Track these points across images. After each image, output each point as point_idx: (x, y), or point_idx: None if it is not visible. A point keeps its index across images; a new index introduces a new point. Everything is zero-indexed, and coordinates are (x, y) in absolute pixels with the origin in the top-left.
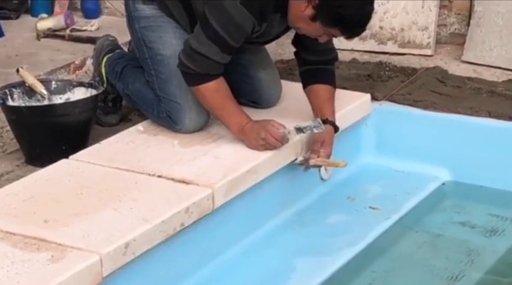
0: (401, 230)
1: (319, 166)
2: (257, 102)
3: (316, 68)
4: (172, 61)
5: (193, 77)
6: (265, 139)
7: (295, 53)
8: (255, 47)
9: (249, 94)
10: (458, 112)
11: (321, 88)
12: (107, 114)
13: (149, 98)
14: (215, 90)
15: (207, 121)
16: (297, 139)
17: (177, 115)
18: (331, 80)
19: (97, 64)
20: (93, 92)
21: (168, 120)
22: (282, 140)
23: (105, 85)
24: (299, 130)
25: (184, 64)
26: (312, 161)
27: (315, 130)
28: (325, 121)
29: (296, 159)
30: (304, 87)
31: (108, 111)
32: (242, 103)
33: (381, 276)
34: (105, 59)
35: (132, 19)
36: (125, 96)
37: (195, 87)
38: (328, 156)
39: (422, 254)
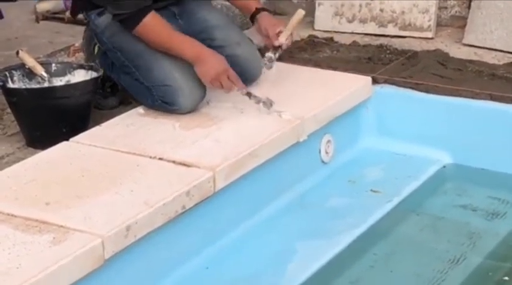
0: (403, 213)
1: (282, 45)
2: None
3: None
4: (144, 51)
5: (129, 20)
6: (219, 77)
7: None
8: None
9: None
10: (459, 95)
11: None
12: (106, 97)
13: (141, 89)
14: (156, 23)
15: (202, 96)
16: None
17: (171, 97)
18: None
19: (89, 54)
20: (94, 74)
21: (164, 106)
22: (236, 84)
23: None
24: (249, 94)
25: (115, 13)
26: (282, 40)
27: (262, 106)
28: (256, 12)
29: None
30: None
31: (107, 95)
32: None
33: (382, 259)
34: (96, 49)
35: (99, 37)
36: (120, 85)
37: (137, 29)
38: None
39: (424, 237)
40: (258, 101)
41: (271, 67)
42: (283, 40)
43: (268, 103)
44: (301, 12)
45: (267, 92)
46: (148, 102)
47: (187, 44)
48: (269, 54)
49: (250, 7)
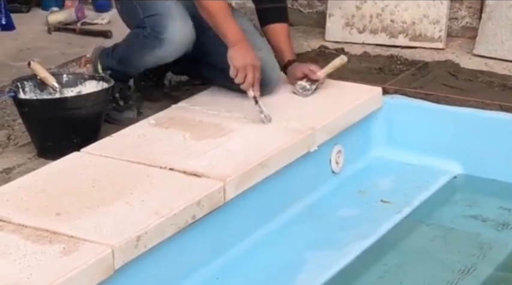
0: (413, 223)
1: (321, 80)
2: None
3: (268, 7)
4: None
5: None
6: (247, 68)
7: None
8: None
9: None
10: (470, 106)
11: (276, 28)
12: (121, 111)
13: (134, 39)
14: None
15: (192, 33)
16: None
17: (161, 25)
18: (283, 17)
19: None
20: (105, 85)
21: (152, 37)
22: (255, 84)
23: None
24: (256, 100)
25: None
26: (321, 75)
27: (262, 117)
28: (289, 64)
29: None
30: (262, 26)
31: (122, 108)
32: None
33: (392, 269)
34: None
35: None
36: (119, 66)
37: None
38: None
39: (434, 248)
40: (261, 111)
41: (306, 96)
42: (322, 75)
43: (268, 119)
44: (344, 58)
45: (278, 102)
46: (138, 46)
47: (235, 28)
48: (303, 83)
49: (283, 56)
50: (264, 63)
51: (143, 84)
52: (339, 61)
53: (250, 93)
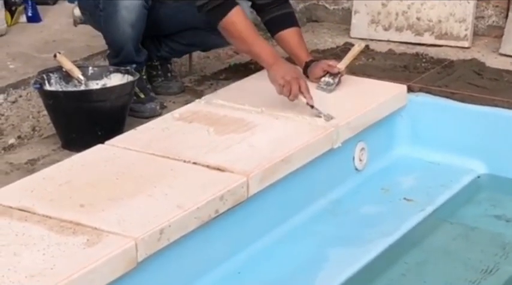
0: (436, 222)
1: (342, 72)
2: None
3: (275, 15)
4: None
5: (215, 12)
6: (289, 84)
7: (252, 7)
8: None
9: None
10: (495, 105)
11: (288, 34)
12: (144, 103)
13: (101, 22)
14: (241, 20)
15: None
16: (302, 103)
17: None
18: (292, 22)
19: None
20: (130, 78)
21: (107, 5)
22: (305, 95)
23: None
24: (312, 106)
25: (202, 4)
26: (341, 67)
27: (321, 116)
28: (307, 65)
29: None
30: (272, 36)
31: (144, 100)
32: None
33: (414, 267)
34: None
35: None
36: (116, 57)
37: (223, 22)
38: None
39: (457, 247)
40: (319, 113)
41: (331, 91)
42: (342, 66)
43: (329, 118)
44: (361, 44)
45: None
46: (100, 15)
47: (268, 49)
48: (326, 79)
49: (300, 59)
50: None
51: (153, 74)
52: (357, 48)
53: (302, 100)
